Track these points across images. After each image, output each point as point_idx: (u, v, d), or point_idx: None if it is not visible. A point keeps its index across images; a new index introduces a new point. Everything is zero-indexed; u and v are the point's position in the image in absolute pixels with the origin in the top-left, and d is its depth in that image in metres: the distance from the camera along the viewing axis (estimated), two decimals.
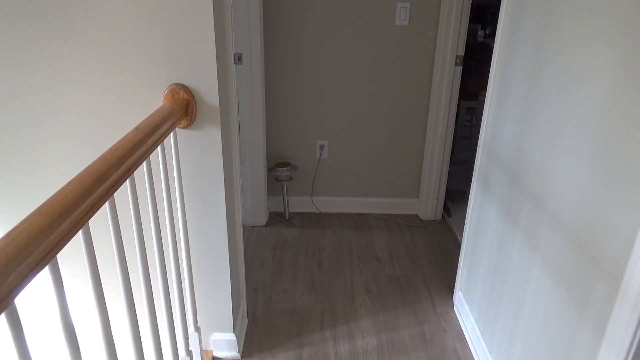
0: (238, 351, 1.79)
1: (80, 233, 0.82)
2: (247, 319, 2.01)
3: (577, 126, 1.15)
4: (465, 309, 1.97)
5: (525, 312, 1.42)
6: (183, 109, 1.37)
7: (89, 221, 0.85)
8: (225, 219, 1.55)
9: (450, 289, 2.25)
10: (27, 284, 0.64)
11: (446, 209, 2.99)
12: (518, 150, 1.50)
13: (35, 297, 1.64)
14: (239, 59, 2.42)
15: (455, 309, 2.11)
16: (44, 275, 1.50)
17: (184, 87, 1.37)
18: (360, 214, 2.98)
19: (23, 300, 1.64)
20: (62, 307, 0.75)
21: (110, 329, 0.92)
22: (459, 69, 2.58)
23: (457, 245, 2.64)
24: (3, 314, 0.61)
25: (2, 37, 1.31)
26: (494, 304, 1.67)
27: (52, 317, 1.67)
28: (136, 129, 1.10)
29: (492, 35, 3.56)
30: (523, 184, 1.46)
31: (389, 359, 1.81)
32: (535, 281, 1.35)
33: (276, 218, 2.90)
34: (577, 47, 1.16)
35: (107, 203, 0.94)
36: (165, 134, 1.22)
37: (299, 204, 2.97)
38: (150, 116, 1.19)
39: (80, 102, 1.39)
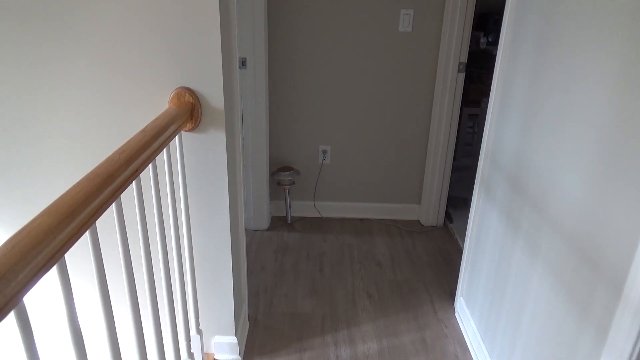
0: (239, 354, 1.79)
1: (87, 234, 0.83)
2: (248, 323, 2.01)
3: (578, 133, 1.16)
4: (466, 315, 1.98)
5: (526, 318, 1.42)
6: (188, 112, 1.38)
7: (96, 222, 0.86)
8: (229, 222, 1.56)
9: (451, 295, 2.25)
10: (35, 283, 0.65)
11: (448, 215, 3.00)
12: (520, 157, 1.51)
13: (42, 296, 1.64)
14: (243, 63, 2.43)
15: (456, 314, 2.11)
16: (52, 274, 1.51)
17: (190, 91, 1.39)
18: (362, 219, 2.98)
19: (31, 299, 1.65)
20: (69, 307, 0.76)
21: (115, 329, 0.93)
22: (462, 75, 2.59)
23: (459, 251, 2.64)
24: (12, 313, 0.61)
25: (8, 42, 1.33)
26: (495, 309, 1.68)
27: (59, 317, 1.68)
28: (143, 131, 1.11)
29: (495, 43, 3.58)
30: (525, 190, 1.46)
31: None
32: (536, 287, 1.36)
33: (278, 222, 2.91)
34: (579, 55, 1.17)
35: (113, 204, 0.94)
36: (171, 137, 1.23)
37: (301, 208, 2.98)
38: (156, 119, 1.20)
39: (88, 106, 1.40)
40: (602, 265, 1.05)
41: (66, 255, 1.55)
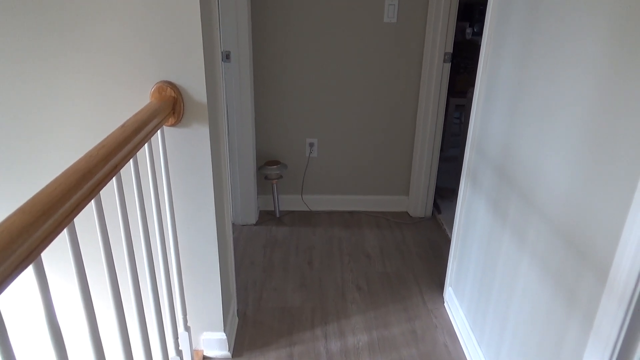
0: (229, 350, 1.78)
1: (65, 231, 0.81)
2: (237, 318, 2.00)
3: (563, 122, 1.16)
4: (455, 305, 1.98)
5: (514, 307, 1.43)
6: (170, 106, 1.35)
7: (75, 220, 0.83)
8: (214, 217, 1.54)
9: (440, 285, 2.26)
10: (10, 283, 0.63)
11: (436, 206, 3.01)
12: (506, 147, 1.51)
13: (20, 296, 1.61)
14: (227, 56, 2.40)
15: (445, 304, 2.12)
16: (29, 274, 1.48)
17: (171, 85, 1.36)
18: (350, 212, 2.98)
19: (7, 300, 1.62)
20: (47, 307, 0.74)
21: (97, 329, 0.91)
22: (448, 66, 2.59)
23: (447, 242, 2.65)
24: None
25: None
26: (483, 299, 1.68)
27: (38, 318, 1.65)
28: (122, 126, 1.08)
29: (480, 33, 3.59)
30: (511, 180, 1.47)
31: (380, 356, 1.82)
32: (524, 276, 1.36)
33: (266, 217, 2.89)
34: (563, 44, 1.17)
35: (93, 201, 0.92)
36: (153, 132, 1.21)
37: (289, 202, 2.97)
38: (136, 114, 1.18)
39: (66, 101, 1.37)
40: (588, 253, 1.05)
41: (46, 254, 1.52)
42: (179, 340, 1.55)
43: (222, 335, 1.74)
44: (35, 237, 0.69)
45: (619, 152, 0.95)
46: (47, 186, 0.78)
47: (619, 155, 0.95)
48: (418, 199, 2.90)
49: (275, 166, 2.74)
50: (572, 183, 1.12)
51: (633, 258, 0.89)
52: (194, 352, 1.74)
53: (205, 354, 1.77)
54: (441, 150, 2.87)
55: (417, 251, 2.56)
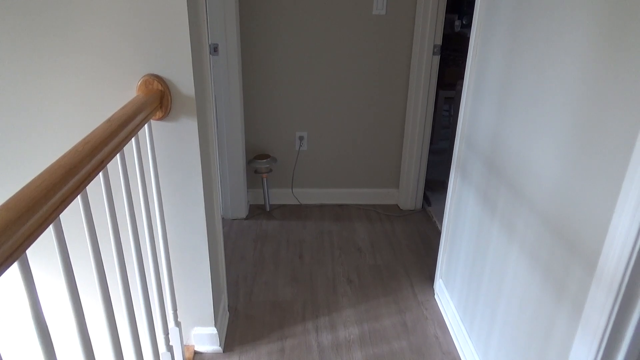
0: (220, 345, 1.77)
1: (51, 228, 0.80)
2: (228, 313, 1.99)
3: (552, 114, 1.16)
4: (445, 297, 1.99)
5: (504, 298, 1.44)
6: (158, 100, 1.33)
7: (62, 216, 0.82)
8: (204, 211, 1.53)
9: (430, 277, 2.27)
10: None
11: (426, 199, 3.02)
12: (495, 139, 1.51)
13: (7, 293, 1.59)
14: (215, 49, 2.38)
15: (435, 296, 2.13)
16: (14, 271, 1.46)
17: (158, 78, 1.34)
18: (340, 205, 2.98)
19: None
20: (34, 304, 0.72)
21: (85, 325, 0.90)
22: (437, 58, 2.59)
23: (437, 234, 2.66)
24: None
25: None
26: (473, 290, 1.70)
27: (25, 315, 1.63)
28: (108, 120, 1.07)
29: (469, 25, 3.59)
30: (500, 172, 1.47)
31: (371, 348, 1.82)
32: (513, 267, 1.37)
33: (256, 211, 2.88)
34: (552, 37, 1.17)
35: (79, 197, 0.91)
36: (140, 126, 1.19)
37: (279, 196, 2.96)
38: (123, 107, 1.16)
39: (51, 95, 1.34)
40: (576, 243, 1.06)
41: (33, 250, 1.50)
42: (170, 335, 1.54)
43: (213, 330, 1.73)
44: (19, 234, 0.67)
45: (606, 143, 0.96)
46: (32, 182, 0.76)
47: (607, 146, 0.96)
48: (408, 192, 2.91)
49: (264, 160, 2.73)
50: (561, 174, 1.12)
51: (621, 248, 0.90)
52: (184, 348, 1.74)
53: (196, 349, 1.77)
54: (431, 142, 2.87)
55: (408, 244, 2.57)
